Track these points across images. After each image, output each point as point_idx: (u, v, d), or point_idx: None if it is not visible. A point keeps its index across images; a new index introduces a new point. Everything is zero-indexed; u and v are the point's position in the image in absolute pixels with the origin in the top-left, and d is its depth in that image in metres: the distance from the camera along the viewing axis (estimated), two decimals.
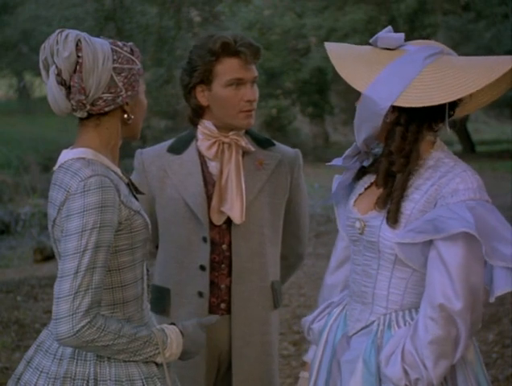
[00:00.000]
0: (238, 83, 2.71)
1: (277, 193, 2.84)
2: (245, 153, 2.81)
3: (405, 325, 2.23)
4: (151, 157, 2.84)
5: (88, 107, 2.13)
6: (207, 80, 2.72)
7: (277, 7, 19.69)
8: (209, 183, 2.78)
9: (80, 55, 2.10)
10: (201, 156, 2.79)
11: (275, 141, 2.91)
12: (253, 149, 2.80)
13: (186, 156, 2.80)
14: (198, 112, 2.78)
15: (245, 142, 2.79)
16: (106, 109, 2.15)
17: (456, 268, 2.11)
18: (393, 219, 2.19)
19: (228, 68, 2.70)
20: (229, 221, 2.77)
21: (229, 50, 2.68)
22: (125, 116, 2.20)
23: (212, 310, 2.79)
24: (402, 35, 2.24)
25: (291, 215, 2.92)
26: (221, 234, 2.78)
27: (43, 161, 15.50)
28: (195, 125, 2.81)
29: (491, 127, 26.16)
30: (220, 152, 2.77)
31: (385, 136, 2.22)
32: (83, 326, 2.02)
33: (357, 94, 2.58)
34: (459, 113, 2.31)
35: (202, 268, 2.76)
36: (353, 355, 2.28)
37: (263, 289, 2.84)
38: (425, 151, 2.24)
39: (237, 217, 2.73)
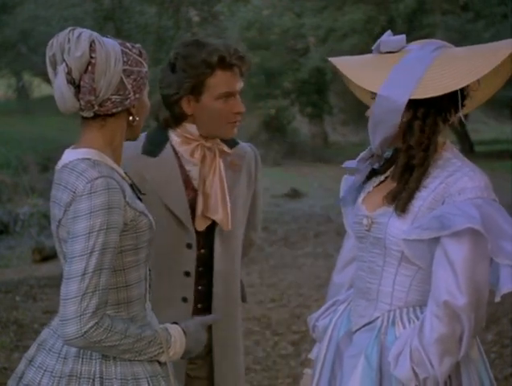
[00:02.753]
0: (228, 95, 2.67)
1: (247, 192, 2.86)
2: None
3: (409, 322, 2.24)
4: (127, 159, 2.54)
5: (96, 108, 2.13)
6: (197, 91, 2.66)
7: (276, 7, 19.69)
8: (188, 188, 2.73)
9: (93, 56, 2.09)
10: (178, 159, 2.73)
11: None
12: (229, 151, 2.77)
13: (162, 159, 2.72)
14: (179, 119, 2.71)
15: (226, 147, 2.75)
16: (114, 111, 2.15)
17: (460, 264, 2.12)
18: (402, 207, 2.22)
19: (220, 81, 2.65)
20: (209, 227, 2.74)
21: (224, 63, 2.65)
22: (131, 118, 2.21)
23: (195, 313, 2.75)
24: (403, 37, 2.29)
25: (252, 206, 2.92)
26: (200, 240, 2.75)
27: (43, 161, 15.47)
28: (170, 127, 2.74)
29: (490, 127, 26.13)
30: (202, 156, 2.72)
31: (402, 134, 2.25)
32: (91, 327, 2.03)
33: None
34: (470, 107, 2.35)
35: (187, 274, 2.74)
36: (355, 351, 2.30)
37: (237, 287, 2.88)
38: (435, 151, 2.26)
39: (225, 224, 2.72)
